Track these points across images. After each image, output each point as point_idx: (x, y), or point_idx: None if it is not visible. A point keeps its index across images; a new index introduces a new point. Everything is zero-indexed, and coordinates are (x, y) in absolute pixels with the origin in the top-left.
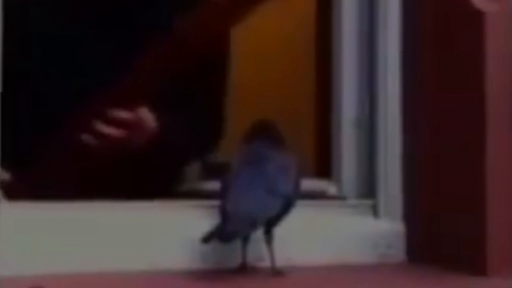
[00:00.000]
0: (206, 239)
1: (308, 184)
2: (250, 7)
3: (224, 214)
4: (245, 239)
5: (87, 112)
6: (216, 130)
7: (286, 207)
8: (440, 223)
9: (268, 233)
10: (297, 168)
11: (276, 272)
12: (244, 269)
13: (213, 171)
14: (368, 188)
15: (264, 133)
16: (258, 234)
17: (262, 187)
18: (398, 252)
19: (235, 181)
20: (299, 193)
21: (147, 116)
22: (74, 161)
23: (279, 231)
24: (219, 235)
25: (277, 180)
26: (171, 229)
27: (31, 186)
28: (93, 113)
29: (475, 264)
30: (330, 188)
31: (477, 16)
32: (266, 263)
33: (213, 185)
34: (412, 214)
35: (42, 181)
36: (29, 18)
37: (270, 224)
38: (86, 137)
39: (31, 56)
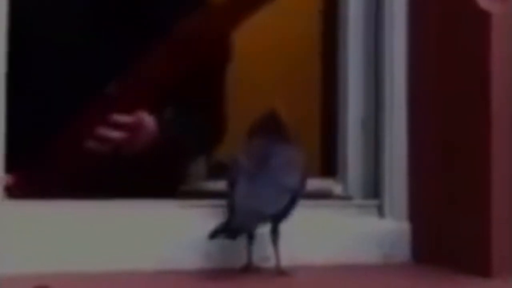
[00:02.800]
0: (213, 235)
1: (314, 183)
2: (250, 11)
3: (231, 210)
4: (250, 238)
5: (89, 116)
6: (217, 129)
7: (292, 201)
8: (445, 223)
9: (275, 232)
10: (303, 160)
11: (281, 272)
12: (249, 269)
13: (218, 170)
14: (374, 188)
15: (269, 125)
16: (264, 233)
17: (268, 183)
18: (403, 252)
19: (241, 177)
20: (305, 186)
21: (147, 119)
22: (78, 162)
23: (284, 230)
24: (226, 231)
25: (283, 174)
26: (177, 229)
27: (34, 185)
28: (94, 117)
29: (479, 265)
30: (336, 188)
31: (483, 17)
32: (271, 263)
33: (219, 184)
34: (417, 214)
35: (45, 180)
36: (32, 23)
37: (276, 220)
38: (89, 142)
39: (33, 59)
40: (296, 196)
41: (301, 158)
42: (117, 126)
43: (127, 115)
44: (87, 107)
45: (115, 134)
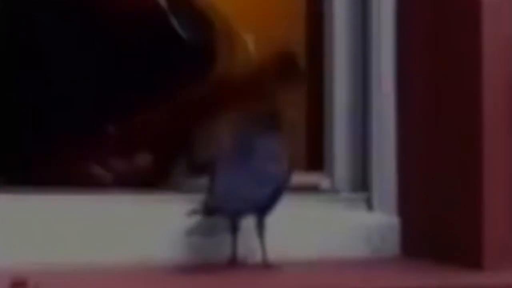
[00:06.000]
0: (191, 214)
1: (301, 177)
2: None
3: (210, 189)
4: (235, 231)
5: (84, 152)
6: None
7: (277, 192)
8: (435, 216)
9: (260, 225)
10: (288, 149)
11: (267, 266)
12: (234, 263)
13: (199, 169)
14: (362, 182)
15: (255, 112)
16: (249, 226)
17: (250, 172)
18: (392, 246)
19: (224, 163)
20: (290, 176)
21: (143, 162)
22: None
23: (271, 225)
24: (203, 210)
25: (266, 165)
26: (159, 222)
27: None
28: (91, 154)
29: (470, 258)
30: (323, 181)
31: (474, 5)
32: (256, 258)
33: (201, 181)
34: (407, 208)
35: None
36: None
37: (261, 211)
38: (75, 176)
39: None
40: (281, 187)
41: (287, 146)
42: (110, 167)
43: (124, 155)
44: (84, 144)
45: (106, 175)
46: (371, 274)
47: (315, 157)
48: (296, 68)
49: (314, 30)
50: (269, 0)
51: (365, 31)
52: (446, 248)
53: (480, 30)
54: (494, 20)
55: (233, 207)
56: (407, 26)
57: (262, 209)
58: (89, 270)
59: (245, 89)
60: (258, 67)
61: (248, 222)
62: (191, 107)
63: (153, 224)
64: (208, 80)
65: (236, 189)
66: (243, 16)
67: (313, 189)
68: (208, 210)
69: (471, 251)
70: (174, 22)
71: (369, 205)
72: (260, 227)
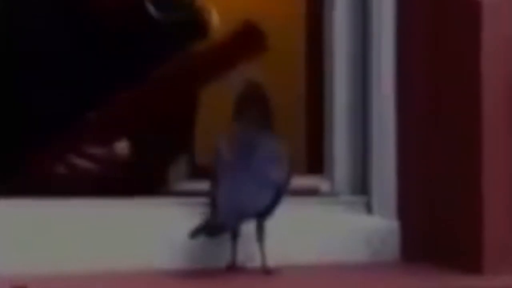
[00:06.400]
0: (193, 234)
1: (300, 180)
2: (221, 72)
3: (212, 207)
4: (235, 236)
5: (64, 143)
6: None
7: (277, 197)
8: (435, 220)
9: (260, 229)
10: (287, 152)
11: (267, 271)
12: (233, 268)
13: (199, 171)
14: (362, 185)
15: (254, 105)
16: (249, 231)
17: (252, 177)
18: (392, 250)
19: (224, 171)
20: (290, 181)
21: (122, 150)
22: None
23: (270, 228)
24: (207, 229)
25: (268, 168)
26: (158, 228)
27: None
28: (69, 145)
29: (471, 262)
30: (323, 184)
31: (474, 6)
32: (256, 262)
33: (201, 185)
34: (407, 211)
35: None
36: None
37: (261, 217)
38: (59, 168)
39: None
40: (281, 191)
41: (285, 149)
42: (89, 157)
43: (104, 143)
44: (62, 138)
45: (86, 165)
46: (371, 277)
47: (315, 160)
48: (258, 34)
49: (314, 31)
50: (270, 1)
51: (365, 32)
52: (446, 252)
53: (480, 31)
54: (494, 21)
55: (236, 224)
56: (407, 27)
57: (263, 213)
58: (88, 276)
59: (215, 62)
60: (223, 40)
61: (247, 227)
62: (165, 87)
63: (152, 229)
64: (180, 59)
65: (238, 203)
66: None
67: (312, 192)
68: (211, 231)
69: (471, 255)
70: (149, 5)
71: (369, 208)
72: (260, 231)
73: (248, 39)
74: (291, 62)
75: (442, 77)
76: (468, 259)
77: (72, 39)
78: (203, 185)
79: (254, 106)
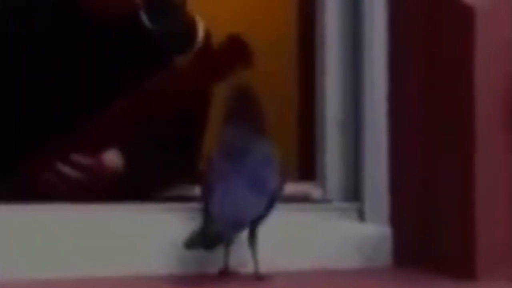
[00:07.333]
0: (189, 245)
1: (292, 187)
2: (216, 78)
3: (207, 217)
4: (227, 243)
5: (53, 152)
6: (188, 167)
7: (271, 203)
8: (427, 226)
9: (252, 236)
10: (279, 156)
11: (260, 277)
12: (226, 274)
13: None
14: (354, 191)
15: (244, 110)
16: (241, 238)
17: (246, 184)
18: (384, 256)
19: (217, 179)
20: (283, 186)
21: (111, 160)
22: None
23: (262, 235)
24: (202, 241)
25: (261, 174)
26: (150, 233)
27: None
28: (58, 154)
29: (463, 268)
30: (315, 191)
31: (467, 11)
32: (248, 268)
33: (194, 190)
34: (399, 218)
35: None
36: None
37: (254, 223)
38: (48, 176)
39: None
40: (275, 197)
41: (277, 153)
42: (77, 166)
43: (93, 152)
44: (52, 146)
45: (73, 174)
46: (363, 284)
47: (307, 166)
48: (245, 48)
49: (306, 39)
50: (262, 10)
51: (357, 38)
52: (439, 258)
53: (473, 35)
54: (487, 26)
55: (232, 235)
56: (400, 35)
57: (255, 221)
58: (83, 281)
59: (201, 76)
60: (209, 53)
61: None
62: (156, 98)
63: (145, 234)
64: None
65: (233, 213)
66: (236, 19)
67: (305, 199)
68: (208, 242)
69: (463, 261)
70: (142, 15)
71: (361, 215)
72: (252, 237)
73: (234, 53)
74: (282, 69)
75: (435, 83)
76: (461, 265)
77: (68, 47)
78: (197, 191)
79: (245, 109)
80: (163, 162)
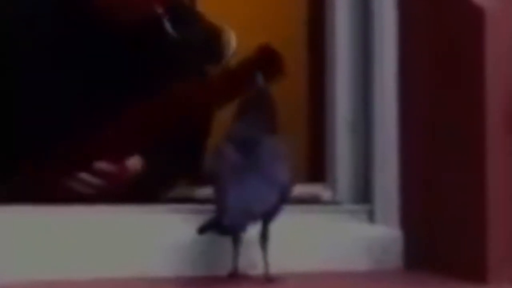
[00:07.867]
0: (202, 230)
1: (302, 189)
2: (236, 96)
3: (221, 206)
4: (236, 243)
5: (75, 159)
6: (192, 170)
7: (282, 198)
8: (437, 228)
9: (264, 236)
10: (289, 151)
11: (270, 279)
12: (235, 276)
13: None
14: (364, 193)
15: (256, 111)
16: (250, 239)
17: (257, 177)
18: (394, 258)
19: (228, 171)
20: (293, 182)
21: (134, 165)
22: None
23: (272, 236)
24: (217, 227)
25: (272, 168)
26: (159, 235)
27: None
28: (80, 160)
29: (473, 271)
30: (325, 193)
31: (477, 13)
32: (258, 270)
33: (203, 192)
34: (409, 220)
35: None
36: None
37: (266, 219)
38: (69, 182)
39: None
40: (285, 192)
41: (287, 148)
42: (101, 173)
43: (118, 158)
44: (73, 152)
45: (96, 181)
46: (373, 286)
47: (317, 168)
48: (277, 59)
49: (316, 41)
50: (271, 11)
51: (367, 40)
52: (449, 261)
53: (483, 38)
54: (497, 27)
55: (244, 226)
56: (410, 36)
57: (270, 213)
58: (88, 282)
59: (231, 84)
60: (241, 62)
61: (250, 234)
62: (182, 105)
63: (154, 235)
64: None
65: (246, 204)
66: (246, 21)
67: (314, 200)
68: (222, 229)
69: (474, 264)
70: (166, 24)
71: (371, 217)
72: (264, 238)
73: (266, 64)
74: (292, 70)
75: (445, 84)
76: (471, 268)
77: (86, 51)
78: (203, 192)
79: (260, 109)
80: (176, 165)
